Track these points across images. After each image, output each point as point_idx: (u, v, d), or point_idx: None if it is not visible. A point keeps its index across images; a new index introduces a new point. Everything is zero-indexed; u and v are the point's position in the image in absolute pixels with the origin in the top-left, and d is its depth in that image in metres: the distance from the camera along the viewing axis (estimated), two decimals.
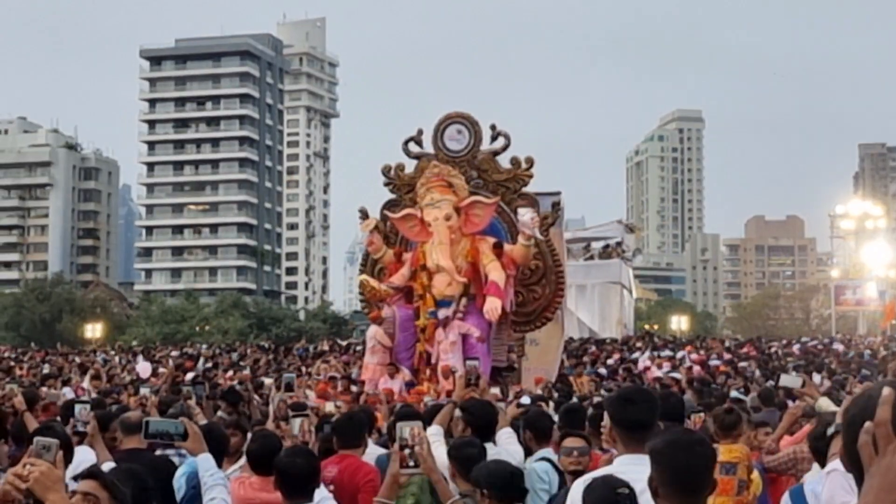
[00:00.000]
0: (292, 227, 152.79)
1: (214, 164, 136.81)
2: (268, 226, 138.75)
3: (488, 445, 7.00)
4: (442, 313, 17.10)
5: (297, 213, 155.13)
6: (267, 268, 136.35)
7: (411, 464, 5.49)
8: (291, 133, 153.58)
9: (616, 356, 31.12)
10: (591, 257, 48.89)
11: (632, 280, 53.74)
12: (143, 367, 25.49)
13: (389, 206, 18.57)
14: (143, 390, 13.88)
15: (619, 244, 49.40)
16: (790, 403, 11.44)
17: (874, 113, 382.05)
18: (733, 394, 15.87)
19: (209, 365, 30.08)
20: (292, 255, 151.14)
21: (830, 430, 6.02)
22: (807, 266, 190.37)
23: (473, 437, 7.07)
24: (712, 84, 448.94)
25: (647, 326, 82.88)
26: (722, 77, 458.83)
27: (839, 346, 39.03)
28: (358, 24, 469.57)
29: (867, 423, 1.95)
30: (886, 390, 1.95)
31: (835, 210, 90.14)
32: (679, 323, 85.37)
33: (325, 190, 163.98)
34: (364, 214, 18.36)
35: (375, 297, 17.46)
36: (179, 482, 6.83)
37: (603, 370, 24.77)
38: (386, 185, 18.81)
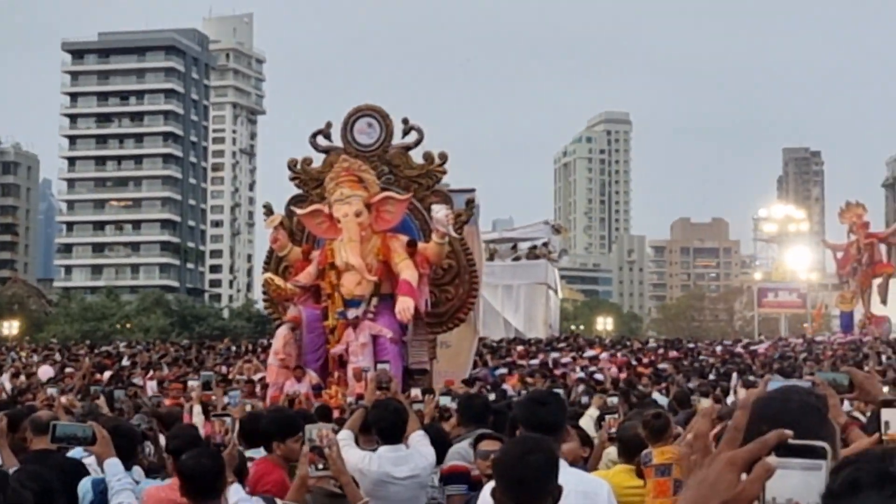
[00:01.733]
0: (217, 224, 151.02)
1: (138, 159, 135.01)
2: (192, 223, 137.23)
3: (399, 447, 6.88)
4: (351, 313, 16.57)
5: (222, 211, 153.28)
6: (190, 265, 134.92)
7: (320, 466, 5.51)
8: (217, 129, 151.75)
9: (540, 357, 30.94)
10: (518, 258, 49.02)
11: (558, 281, 54.18)
12: (44, 371, 24.85)
13: (295, 201, 17.98)
14: (51, 390, 14.02)
15: (545, 245, 49.56)
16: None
17: (798, 117, 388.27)
18: (654, 395, 15.90)
19: (126, 363, 29.78)
20: (216, 253, 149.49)
21: None
22: (731, 268, 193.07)
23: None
24: (640, 87, 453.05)
25: (573, 327, 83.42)
26: (649, 80, 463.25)
27: (761, 348, 39.29)
28: (286, 20, 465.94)
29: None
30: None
31: (758, 213, 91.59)
32: (605, 324, 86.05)
33: (251, 187, 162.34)
34: (268, 210, 17.88)
35: (281, 297, 16.96)
36: (85, 486, 6.68)
37: (503, 369, 24.10)
38: (292, 179, 18.22)
